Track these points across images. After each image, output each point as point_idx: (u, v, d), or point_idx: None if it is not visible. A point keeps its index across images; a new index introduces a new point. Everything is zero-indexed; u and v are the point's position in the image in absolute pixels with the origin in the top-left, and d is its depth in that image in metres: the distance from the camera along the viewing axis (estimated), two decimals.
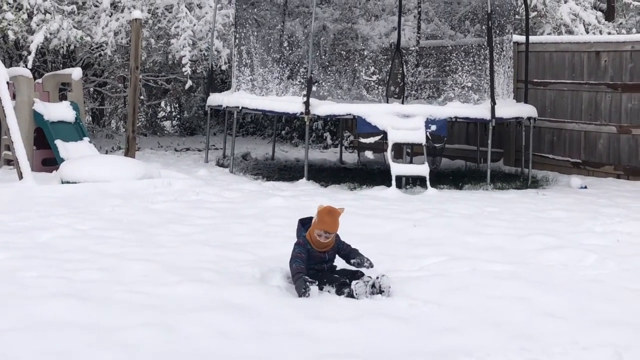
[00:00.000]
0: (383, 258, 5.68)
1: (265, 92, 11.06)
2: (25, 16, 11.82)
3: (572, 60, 11.68)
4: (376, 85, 12.58)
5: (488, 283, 4.98)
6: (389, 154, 9.56)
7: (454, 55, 11.87)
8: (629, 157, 11.02)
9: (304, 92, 10.15)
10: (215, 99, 11.50)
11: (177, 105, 18.60)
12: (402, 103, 11.82)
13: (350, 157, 13.22)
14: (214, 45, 12.61)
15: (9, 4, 11.81)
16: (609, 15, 17.23)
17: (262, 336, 3.97)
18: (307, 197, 8.49)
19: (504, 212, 7.92)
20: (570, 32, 14.86)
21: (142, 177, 9.12)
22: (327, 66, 12.64)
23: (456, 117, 10.08)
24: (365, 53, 12.90)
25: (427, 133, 9.68)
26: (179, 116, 18.46)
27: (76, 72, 11.03)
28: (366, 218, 7.29)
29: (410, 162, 10.32)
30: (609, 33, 15.10)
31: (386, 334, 4.05)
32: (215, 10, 12.17)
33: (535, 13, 15.28)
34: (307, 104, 9.88)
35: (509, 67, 11.08)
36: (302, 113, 9.94)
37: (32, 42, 11.81)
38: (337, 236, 5.02)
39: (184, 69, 12.74)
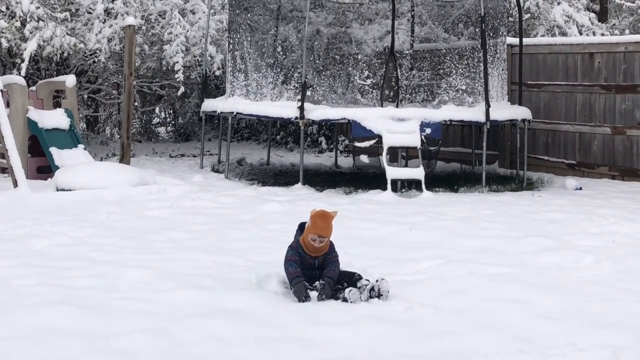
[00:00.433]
0: (379, 262, 5.69)
1: (260, 97, 11.05)
2: (18, 24, 11.80)
3: (565, 62, 11.70)
4: (370, 89, 12.59)
5: (484, 286, 4.98)
6: (384, 157, 9.56)
7: (448, 58, 11.88)
8: (623, 158, 11.05)
9: (299, 97, 10.15)
10: (210, 105, 11.50)
11: (171, 111, 18.59)
12: (397, 107, 11.83)
13: (345, 161, 13.23)
14: (208, 51, 12.60)
15: (2, 12, 11.80)
16: (602, 16, 17.28)
17: (260, 342, 3.96)
18: (303, 202, 8.48)
19: (500, 214, 7.93)
20: (563, 34, 14.90)
21: (137, 183, 9.11)
22: (321, 70, 12.64)
23: (451, 120, 10.08)
24: (359, 57, 12.91)
25: (422, 136, 9.68)
26: (173, 122, 18.45)
27: (70, 79, 11.02)
28: (362, 222, 7.29)
29: (406, 165, 10.32)
30: (603, 34, 15.14)
31: (383, 338, 4.05)
32: (209, 15, 12.17)
33: (529, 15, 15.32)
34: (301, 108, 9.88)
35: (502, 70, 11.10)
36: (296, 118, 9.94)
37: (25, 49, 11.79)
38: (332, 244, 4.99)
39: (177, 75, 12.74)
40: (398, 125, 9.71)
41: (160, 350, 3.80)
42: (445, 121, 10.01)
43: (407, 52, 12.95)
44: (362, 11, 13.61)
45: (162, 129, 18.66)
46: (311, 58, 12.55)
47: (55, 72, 13.97)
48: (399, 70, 12.70)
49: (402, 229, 6.97)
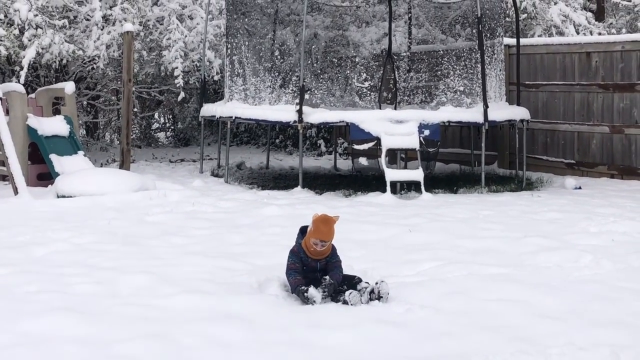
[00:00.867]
0: (379, 264, 5.70)
1: (258, 102, 11.08)
2: (16, 32, 11.83)
3: (563, 62, 11.73)
4: (368, 92, 12.62)
5: (484, 286, 5.00)
6: (383, 159, 9.58)
7: (446, 59, 11.91)
8: (622, 157, 11.07)
9: (297, 101, 10.17)
10: (209, 110, 11.52)
11: (170, 117, 18.62)
12: (395, 109, 11.84)
13: (344, 164, 13.25)
14: (206, 56, 12.63)
15: (0, 20, 11.83)
16: (599, 15, 17.31)
17: (261, 346, 3.98)
18: (303, 205, 8.50)
19: (499, 215, 7.95)
20: (560, 34, 14.92)
21: (137, 189, 9.12)
22: (319, 74, 12.67)
23: (449, 121, 10.10)
24: (356, 60, 12.94)
25: (421, 138, 9.70)
26: (173, 127, 18.48)
27: (69, 86, 11.04)
28: (362, 224, 7.30)
29: (405, 167, 10.34)
30: (600, 33, 15.16)
31: (384, 340, 4.06)
32: (207, 21, 12.20)
33: (526, 15, 15.34)
34: (300, 112, 9.91)
35: (500, 70, 11.13)
36: (295, 121, 9.96)
37: (24, 57, 11.82)
38: (334, 248, 5.01)
39: (176, 81, 12.76)
40: (396, 127, 9.73)
41: (161, 356, 3.82)
42: (444, 122, 10.03)
43: (405, 54, 12.98)
44: (359, 14, 13.64)
45: (161, 134, 18.68)
46: (309, 61, 12.57)
47: (54, 79, 14.00)
48: (396, 73, 12.72)
49: (401, 230, 6.99)
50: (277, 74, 11.77)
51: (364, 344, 4.02)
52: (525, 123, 10.92)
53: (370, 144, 9.84)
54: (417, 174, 9.47)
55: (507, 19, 13.63)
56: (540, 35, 14.96)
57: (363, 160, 10.95)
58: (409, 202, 8.97)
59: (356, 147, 10.07)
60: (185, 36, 12.95)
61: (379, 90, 12.68)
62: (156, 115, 18.74)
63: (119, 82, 13.77)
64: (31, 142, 10.35)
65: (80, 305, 4.60)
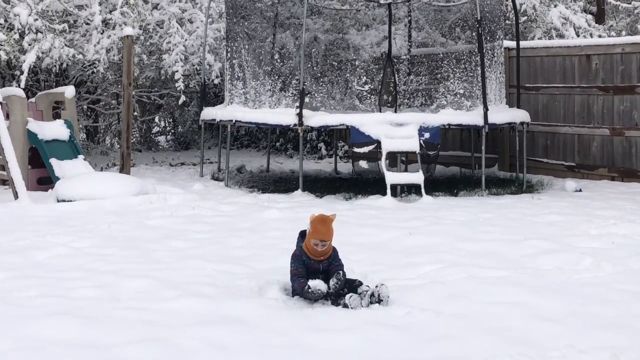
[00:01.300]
0: (380, 267, 5.70)
1: (258, 105, 11.08)
2: (16, 36, 11.84)
3: (563, 64, 11.73)
4: (369, 95, 12.63)
5: (485, 289, 5.00)
6: (383, 162, 9.58)
7: (446, 62, 11.91)
8: (622, 159, 11.07)
9: (297, 104, 10.18)
10: (209, 113, 11.53)
11: (171, 120, 18.63)
12: (395, 112, 11.86)
13: (345, 167, 13.25)
14: (206, 60, 12.64)
15: (0, 24, 11.84)
16: (599, 18, 17.32)
17: (262, 349, 3.98)
18: (303, 209, 8.50)
19: (500, 217, 7.94)
20: (560, 36, 14.93)
21: (137, 193, 9.13)
22: (319, 77, 12.68)
23: (449, 124, 10.11)
24: (357, 63, 12.95)
25: (421, 141, 9.70)
26: (173, 131, 18.49)
27: (69, 90, 11.05)
28: (362, 227, 7.30)
29: (405, 170, 10.35)
30: (600, 36, 15.17)
31: (384, 343, 4.06)
32: (207, 24, 12.21)
33: (526, 18, 15.35)
34: (300, 115, 9.91)
35: (500, 73, 11.13)
36: (295, 124, 9.97)
37: (24, 61, 11.82)
38: (335, 250, 5.02)
39: (176, 84, 12.77)
40: (397, 130, 9.73)
41: (161, 359, 3.82)
42: (444, 125, 10.04)
43: (405, 57, 12.99)
44: (359, 17, 13.66)
45: (161, 138, 18.69)
46: (309, 65, 12.58)
47: (54, 84, 14.01)
48: (396, 76, 12.73)
49: (402, 233, 6.99)
50: (277, 77, 11.78)
51: (364, 347, 4.02)
52: (526, 126, 10.93)
53: (371, 147, 9.85)
54: (417, 177, 9.47)
55: (507, 21, 13.64)
56: (540, 38, 14.96)
57: (363, 163, 10.94)
58: (410, 205, 8.97)
59: (356, 150, 10.08)
60: (185, 40, 12.96)
61: (379, 93, 12.68)
62: (156, 119, 18.75)
63: (119, 86, 13.78)
64: (31, 147, 10.35)
65: (81, 309, 4.60)
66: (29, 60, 11.74)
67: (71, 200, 8.81)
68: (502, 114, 10.52)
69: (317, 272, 4.93)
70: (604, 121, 11.26)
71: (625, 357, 3.78)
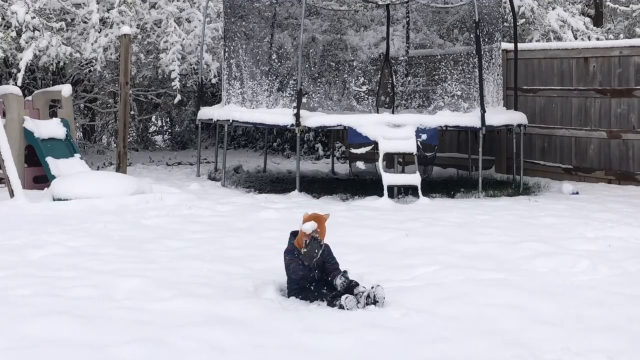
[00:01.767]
0: (376, 268, 5.69)
1: (256, 105, 11.07)
2: (14, 34, 11.82)
3: (560, 67, 11.74)
4: (366, 96, 12.62)
5: (481, 291, 4.99)
6: (380, 163, 9.58)
7: (443, 64, 11.91)
8: (619, 162, 11.07)
9: (294, 104, 10.17)
10: (206, 113, 11.51)
11: (168, 120, 18.60)
12: (393, 113, 11.86)
13: (342, 168, 13.24)
14: (204, 59, 12.63)
15: None
16: (597, 20, 17.33)
17: (257, 350, 3.97)
18: (300, 209, 8.47)
19: (496, 219, 7.94)
20: (558, 39, 14.93)
21: (134, 192, 9.11)
22: (316, 77, 12.67)
23: (446, 126, 10.11)
24: (354, 64, 12.94)
25: (418, 142, 9.70)
26: (170, 130, 18.46)
27: (66, 89, 11.03)
28: (359, 229, 7.30)
29: (402, 171, 10.34)
30: (598, 39, 15.18)
31: (380, 345, 4.06)
32: (204, 24, 12.19)
33: (524, 20, 15.36)
34: (297, 115, 9.90)
35: (498, 75, 11.13)
36: (292, 125, 9.96)
37: (21, 59, 11.81)
38: (328, 247, 5.04)
39: (173, 84, 12.75)
40: (394, 131, 9.73)
41: (156, 359, 3.81)
42: (441, 127, 10.04)
43: (403, 58, 12.98)
44: (357, 18, 13.66)
45: (158, 137, 18.66)
46: (307, 65, 12.57)
47: (51, 82, 13.98)
48: (394, 77, 12.73)
49: (398, 235, 6.98)
50: (274, 77, 11.77)
51: (360, 348, 4.01)
52: (523, 128, 10.93)
53: (368, 148, 9.84)
54: (414, 179, 9.47)
55: (505, 23, 13.64)
56: (538, 40, 14.97)
57: (360, 164, 10.94)
58: (406, 206, 8.96)
59: (354, 151, 10.06)
60: (183, 39, 12.94)
61: (377, 94, 12.68)
62: (153, 118, 18.73)
63: (116, 85, 13.77)
64: (27, 145, 10.33)
65: (76, 308, 4.58)
66: (25, 58, 11.72)
67: (67, 199, 8.79)
68: (500, 115, 10.52)
69: (311, 267, 4.97)
70: (601, 124, 11.26)
71: (621, 359, 3.78)
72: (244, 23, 11.80)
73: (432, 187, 10.14)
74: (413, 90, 12.60)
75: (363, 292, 4.76)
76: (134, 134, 17.39)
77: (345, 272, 4.90)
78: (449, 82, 11.43)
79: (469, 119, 10.17)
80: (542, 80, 11.95)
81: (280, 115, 10.27)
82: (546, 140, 11.94)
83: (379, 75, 12.77)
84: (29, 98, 11.18)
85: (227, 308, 4.64)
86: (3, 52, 11.78)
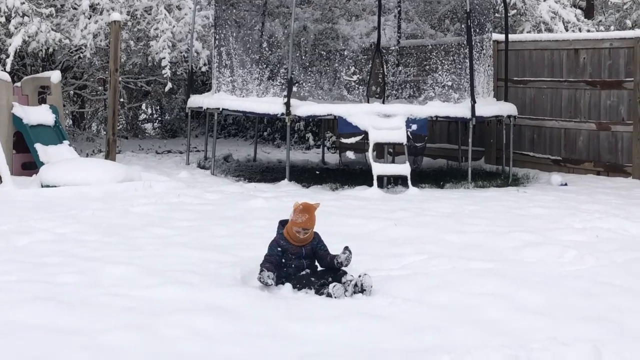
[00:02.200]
0: (364, 257, 5.69)
1: (246, 94, 11.04)
2: (3, 19, 11.74)
3: (551, 58, 11.75)
4: (357, 85, 12.60)
5: (468, 281, 5.00)
6: (370, 153, 9.57)
7: (434, 54, 11.90)
8: (608, 154, 11.11)
9: (285, 93, 10.14)
10: (196, 101, 11.47)
11: (158, 108, 18.54)
12: (383, 103, 11.85)
13: (332, 158, 13.23)
14: (194, 47, 12.57)
15: None
16: (589, 12, 17.35)
17: (244, 337, 3.96)
18: (289, 198, 8.47)
19: (485, 210, 7.96)
20: (549, 30, 14.95)
21: (122, 180, 9.08)
22: (307, 67, 12.64)
23: (437, 116, 10.11)
24: (345, 53, 12.92)
25: (408, 132, 9.70)
26: (160, 118, 18.41)
27: (55, 75, 10.96)
28: (347, 218, 7.30)
29: (392, 161, 10.34)
30: (589, 30, 15.20)
31: (367, 333, 4.06)
32: (195, 11, 12.13)
33: (515, 11, 15.36)
34: (287, 104, 9.88)
35: (488, 66, 11.13)
36: (283, 114, 9.94)
37: (10, 45, 11.73)
38: (317, 235, 5.04)
39: (163, 72, 12.70)
40: (384, 121, 9.72)
41: (144, 347, 3.80)
42: (432, 117, 10.04)
43: (394, 48, 12.97)
44: (348, 7, 13.63)
45: (148, 125, 18.61)
46: (298, 54, 12.54)
47: (40, 68, 13.90)
48: (385, 67, 12.71)
49: (387, 224, 6.99)
50: (265, 66, 11.73)
51: (347, 336, 4.01)
52: (513, 119, 10.94)
53: (358, 138, 9.83)
54: (404, 169, 9.47)
55: (496, 14, 13.64)
56: (529, 32, 14.98)
57: (350, 154, 10.93)
58: (396, 196, 8.96)
59: (344, 140, 10.06)
60: (173, 26, 12.89)
61: (368, 84, 12.66)
62: (143, 106, 18.66)
63: (106, 72, 13.69)
64: (16, 131, 10.27)
65: (62, 295, 4.57)
66: (15, 43, 11.65)
67: (55, 186, 8.75)
68: (490, 107, 10.53)
69: (300, 257, 4.96)
70: (591, 116, 11.29)
71: (607, 349, 3.79)
72: (234, 11, 11.76)
73: (422, 178, 10.15)
74: (404, 80, 12.59)
75: (351, 281, 4.76)
76: (124, 122, 17.32)
77: (347, 247, 4.96)
78: (440, 72, 11.43)
79: (459, 109, 10.17)
80: (532, 72, 11.96)
81: (271, 104, 10.24)
82: (536, 131, 11.96)
83: (370, 65, 12.75)
84: (18, 84, 11.11)
85: (214, 296, 4.63)
86: None
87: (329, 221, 6.73)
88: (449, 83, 11.20)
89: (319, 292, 4.75)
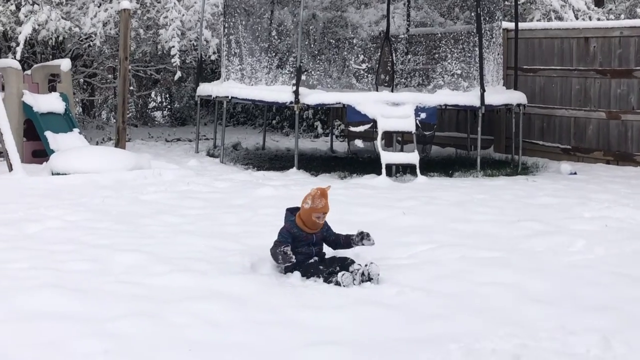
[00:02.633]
0: (372, 246, 5.69)
1: (255, 82, 11.03)
2: (13, 7, 11.76)
3: (561, 47, 11.69)
4: (366, 74, 12.57)
5: (476, 270, 5.00)
6: (379, 142, 9.56)
7: (444, 42, 11.86)
8: (618, 143, 11.06)
9: (294, 81, 10.13)
10: (205, 89, 11.48)
11: (167, 96, 18.56)
12: (392, 91, 11.82)
13: (341, 146, 13.22)
14: (203, 35, 12.57)
15: None
16: (599, 1, 17.23)
17: (252, 325, 3.98)
18: (298, 187, 8.49)
19: (494, 199, 7.94)
20: (559, 18, 14.86)
21: (132, 168, 9.11)
22: (316, 55, 12.61)
23: (446, 105, 10.08)
24: (354, 41, 12.88)
25: (417, 121, 9.68)
26: (169, 106, 18.43)
27: (65, 63, 10.99)
28: (356, 206, 7.30)
29: (401, 150, 10.33)
30: (599, 19, 15.11)
31: (375, 321, 4.07)
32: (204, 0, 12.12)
33: None
34: (296, 93, 9.87)
35: (498, 54, 11.08)
36: (291, 102, 9.93)
37: (20, 33, 11.76)
38: (326, 222, 5.09)
39: (172, 60, 12.70)
40: (393, 109, 9.70)
41: (153, 334, 3.82)
42: (441, 106, 10.01)
43: (403, 36, 12.92)
44: None
45: (158, 113, 18.64)
46: (306, 42, 12.52)
47: (50, 56, 13.93)
48: (394, 55, 12.68)
49: (395, 213, 6.99)
50: (274, 54, 11.72)
51: (355, 325, 4.02)
52: (522, 108, 10.90)
53: (367, 126, 9.82)
54: (412, 157, 9.46)
55: (506, 2, 13.56)
56: (539, 20, 14.90)
57: (359, 143, 10.93)
58: (404, 185, 8.96)
59: (352, 129, 10.05)
60: (183, 15, 12.88)
61: (376, 73, 12.63)
62: (153, 94, 18.68)
63: (116, 60, 13.71)
64: (26, 119, 10.32)
65: (72, 282, 4.60)
66: (25, 32, 11.67)
67: (65, 174, 8.79)
68: (499, 95, 10.50)
69: (310, 243, 5.01)
70: (601, 104, 11.23)
71: (615, 339, 3.79)
72: None
73: (431, 166, 10.14)
74: (413, 68, 12.55)
75: (358, 270, 4.78)
76: (133, 110, 17.36)
77: (361, 231, 5.11)
78: (449, 60, 11.39)
79: (469, 98, 10.14)
80: (542, 60, 11.91)
81: (280, 92, 10.24)
82: (545, 120, 11.92)
83: (379, 53, 12.72)
84: (28, 72, 11.14)
85: (223, 283, 4.65)
86: (2, 26, 11.72)
87: (337, 209, 6.71)
88: (458, 71, 11.16)
89: (327, 280, 4.77)
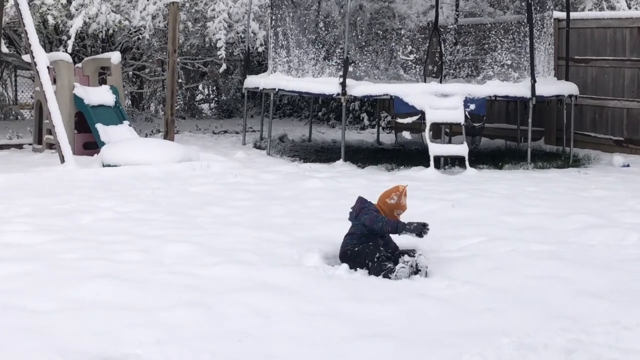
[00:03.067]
0: (422, 239, 5.65)
1: (302, 74, 11.03)
2: (64, 1, 11.94)
3: (614, 37, 11.44)
4: (414, 65, 12.48)
5: (528, 263, 4.93)
6: (427, 134, 9.49)
7: (493, 32, 11.71)
8: None
9: (341, 73, 10.11)
10: (252, 81, 11.52)
11: (214, 88, 18.68)
12: (440, 82, 11.72)
13: (387, 138, 13.16)
14: (250, 27, 12.61)
15: None
16: None
17: (301, 316, 3.99)
18: (344, 179, 8.47)
19: (545, 191, 7.83)
20: (611, 8, 14.55)
21: (181, 160, 9.19)
22: (363, 46, 12.56)
23: (495, 96, 9.96)
24: (402, 32, 12.80)
25: (466, 112, 9.58)
26: (216, 99, 18.55)
27: (115, 56, 11.13)
28: None
29: (449, 142, 10.23)
30: None
31: (425, 315, 4.04)
32: None
33: None
34: (343, 84, 9.84)
35: (549, 44, 10.90)
36: (338, 94, 9.91)
37: (71, 26, 11.94)
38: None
39: (218, 52, 12.77)
40: (441, 101, 9.62)
41: (202, 324, 3.85)
42: (490, 97, 9.89)
43: (452, 26, 12.80)
44: None
45: (205, 106, 18.77)
46: (353, 33, 12.47)
47: (100, 49, 14.13)
48: (442, 45, 12.56)
49: (444, 205, 6.93)
50: (321, 45, 11.71)
51: (404, 318, 4.00)
52: (574, 99, 10.71)
53: (414, 118, 9.75)
54: (461, 149, 9.37)
55: None
56: (590, 9, 14.61)
57: (406, 134, 10.86)
58: (453, 177, 8.88)
59: (400, 120, 9.99)
60: (230, 7, 12.94)
61: (425, 63, 12.54)
62: (200, 87, 18.82)
63: (164, 53, 13.85)
64: (77, 111, 10.48)
65: (124, 272, 4.66)
66: (75, 25, 11.85)
67: (116, 165, 8.91)
68: (550, 86, 10.33)
69: (381, 235, 5.08)
70: None
71: None
72: None
73: (480, 158, 10.03)
74: (462, 59, 12.43)
75: (408, 262, 4.76)
76: (181, 102, 17.51)
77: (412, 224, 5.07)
78: (499, 51, 11.24)
79: (519, 89, 10.00)
80: (594, 50, 11.68)
81: (326, 84, 10.22)
82: (597, 111, 11.70)
83: (427, 44, 12.61)
84: (79, 65, 11.31)
85: (271, 275, 4.66)
86: (53, 19, 11.92)
87: None
88: (508, 62, 11.01)
89: (377, 272, 4.75)
